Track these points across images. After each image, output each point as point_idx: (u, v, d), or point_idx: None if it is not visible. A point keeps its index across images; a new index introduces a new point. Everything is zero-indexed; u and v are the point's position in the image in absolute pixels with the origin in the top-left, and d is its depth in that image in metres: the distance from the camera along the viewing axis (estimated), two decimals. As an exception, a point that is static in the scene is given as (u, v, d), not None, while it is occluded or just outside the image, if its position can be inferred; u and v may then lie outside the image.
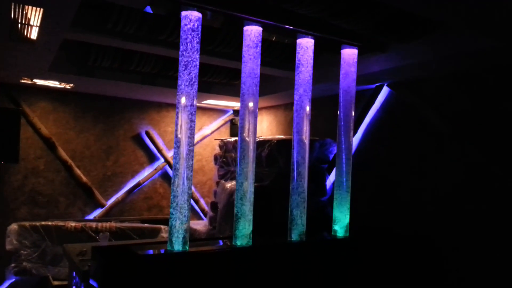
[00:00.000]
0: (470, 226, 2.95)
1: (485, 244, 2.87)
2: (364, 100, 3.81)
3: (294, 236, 2.80)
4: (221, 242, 2.95)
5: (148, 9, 2.88)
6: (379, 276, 3.10)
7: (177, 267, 2.29)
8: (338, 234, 3.03)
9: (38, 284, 4.27)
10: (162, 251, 2.39)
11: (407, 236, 3.30)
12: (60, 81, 4.37)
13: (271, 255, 2.66)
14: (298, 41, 2.84)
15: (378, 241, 3.18)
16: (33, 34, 2.85)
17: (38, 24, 2.66)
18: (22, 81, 4.42)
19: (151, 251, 2.47)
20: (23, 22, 2.63)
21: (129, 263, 2.22)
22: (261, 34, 2.63)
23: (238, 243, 2.55)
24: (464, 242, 2.99)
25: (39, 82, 4.44)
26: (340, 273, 2.90)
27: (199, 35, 2.39)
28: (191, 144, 2.36)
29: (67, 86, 4.64)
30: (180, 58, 2.36)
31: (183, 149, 2.33)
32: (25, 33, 2.84)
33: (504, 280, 2.76)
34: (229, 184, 3.91)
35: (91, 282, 2.36)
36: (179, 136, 2.33)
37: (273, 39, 3.43)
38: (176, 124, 2.34)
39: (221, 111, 6.09)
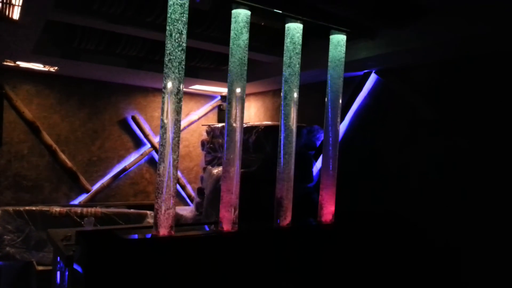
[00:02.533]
0: (454, 210, 3.00)
1: (468, 226, 2.92)
2: (352, 87, 3.81)
3: (280, 222, 2.81)
4: (207, 227, 2.96)
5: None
6: (363, 261, 3.14)
7: (162, 251, 2.28)
8: (323, 220, 3.05)
9: (22, 269, 4.23)
10: (147, 235, 2.38)
11: (391, 221, 3.34)
12: (44, 63, 4.29)
13: (257, 240, 2.66)
14: (287, 25, 2.82)
15: (363, 227, 3.21)
16: (15, 14, 2.77)
17: (20, 4, 2.59)
18: (5, 63, 4.32)
19: (136, 236, 2.45)
20: (4, 1, 2.56)
21: (114, 247, 2.20)
22: (249, 18, 2.60)
23: (224, 228, 2.56)
24: (448, 225, 3.03)
25: (23, 64, 4.34)
26: (325, 258, 2.92)
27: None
28: (178, 129, 2.33)
29: (51, 69, 4.55)
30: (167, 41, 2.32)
31: (169, 134, 2.30)
32: (7, 13, 2.76)
33: (491, 259, 2.81)
34: (216, 170, 3.90)
35: (76, 267, 2.34)
36: (165, 121, 2.30)
37: (262, 23, 3.39)
38: (162, 110, 2.31)
39: (208, 97, 6.05)
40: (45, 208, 4.26)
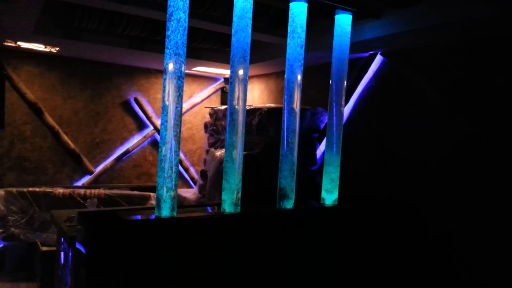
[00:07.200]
0: (458, 196, 2.98)
1: (471, 213, 2.90)
2: (356, 69, 3.76)
3: (283, 204, 2.80)
4: (209, 209, 2.95)
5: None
6: (366, 244, 3.14)
7: (165, 232, 2.28)
8: (326, 203, 3.04)
9: (27, 250, 4.27)
10: (150, 217, 2.38)
11: (395, 205, 3.32)
12: (45, 44, 4.24)
13: (259, 222, 2.66)
14: (291, 5, 2.76)
15: (366, 210, 3.20)
16: (15, -8, 2.72)
17: (19, -18, 2.54)
18: (6, 43, 4.27)
19: (138, 217, 2.45)
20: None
21: (117, 228, 2.20)
22: (253, -3, 2.54)
23: (227, 210, 2.55)
24: (451, 211, 3.02)
25: (24, 45, 4.30)
26: (327, 241, 2.92)
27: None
28: (179, 111, 2.30)
29: (53, 50, 4.50)
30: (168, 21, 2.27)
31: (171, 116, 2.27)
32: (6, -9, 2.72)
33: (491, 247, 2.81)
34: (219, 152, 3.88)
35: (79, 247, 2.34)
36: (166, 103, 2.27)
37: (266, 3, 3.32)
38: (164, 91, 2.28)
39: (211, 79, 6.00)
40: (49, 190, 4.27)
